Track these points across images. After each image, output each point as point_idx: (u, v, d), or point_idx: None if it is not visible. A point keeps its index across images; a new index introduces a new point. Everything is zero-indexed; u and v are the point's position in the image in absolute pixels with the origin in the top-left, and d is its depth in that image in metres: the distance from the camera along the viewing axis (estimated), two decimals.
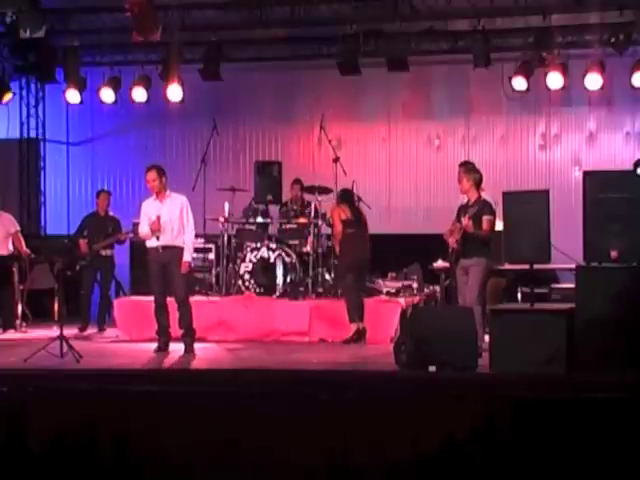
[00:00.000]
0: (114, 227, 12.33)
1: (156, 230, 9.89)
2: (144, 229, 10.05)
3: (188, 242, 10.07)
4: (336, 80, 13.76)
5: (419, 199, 14.58)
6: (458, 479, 6.03)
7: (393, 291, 11.75)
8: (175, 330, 10.14)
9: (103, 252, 12.20)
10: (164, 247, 9.94)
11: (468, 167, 10.19)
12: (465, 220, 9.42)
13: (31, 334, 11.68)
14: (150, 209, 10.02)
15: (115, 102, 14.22)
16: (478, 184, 9.77)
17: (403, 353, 8.61)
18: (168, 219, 9.96)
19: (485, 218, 9.49)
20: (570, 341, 8.27)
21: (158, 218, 9.88)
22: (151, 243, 10.03)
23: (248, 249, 11.82)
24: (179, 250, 9.99)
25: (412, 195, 14.62)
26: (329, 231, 12.06)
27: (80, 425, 6.45)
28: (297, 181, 12.72)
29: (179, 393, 7.06)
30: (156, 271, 9.98)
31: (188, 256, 10.07)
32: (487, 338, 8.91)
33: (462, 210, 9.69)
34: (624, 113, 13.90)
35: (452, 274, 10.25)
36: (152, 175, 9.98)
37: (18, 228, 12.35)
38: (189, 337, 10.04)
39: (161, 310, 10.06)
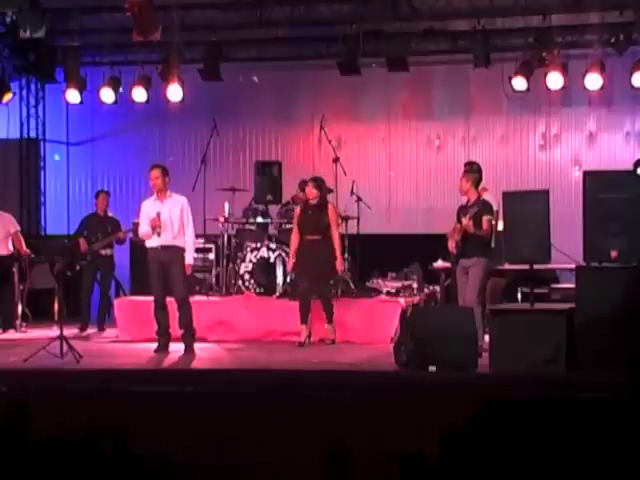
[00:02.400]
0: (113, 227, 12.33)
1: (156, 226, 9.89)
2: (144, 228, 10.06)
3: (189, 244, 10.10)
4: (336, 80, 13.76)
5: (419, 199, 14.58)
6: (458, 479, 6.03)
7: (393, 291, 11.74)
8: (175, 330, 10.14)
9: (103, 252, 12.20)
10: (163, 247, 9.96)
11: (472, 167, 10.21)
12: (465, 220, 9.44)
13: (31, 334, 11.68)
14: (150, 208, 10.04)
15: (115, 102, 14.22)
16: (477, 184, 9.80)
17: (403, 353, 8.62)
18: (168, 219, 9.98)
19: (485, 218, 9.51)
20: (570, 341, 8.28)
21: (158, 215, 9.89)
22: (151, 243, 10.04)
23: (248, 249, 11.82)
24: (179, 250, 10.00)
25: (412, 195, 14.62)
26: None
27: (80, 425, 6.45)
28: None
29: (179, 393, 7.07)
30: (156, 271, 9.99)
31: (190, 258, 10.12)
32: (487, 338, 8.92)
33: (462, 211, 9.70)
34: (624, 113, 13.90)
35: (452, 274, 10.26)
36: (156, 173, 10.01)
37: (18, 228, 12.35)
38: (189, 337, 10.05)
39: (161, 310, 10.07)
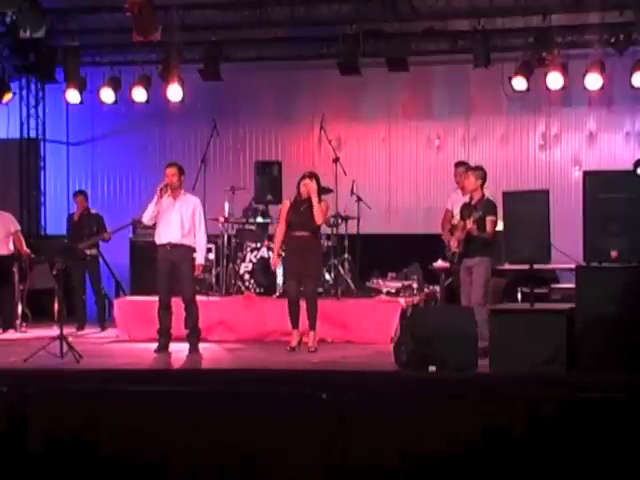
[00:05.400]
0: (98, 226, 12.32)
1: (163, 189, 9.94)
2: (147, 214, 10.10)
3: (201, 244, 10.15)
4: (336, 80, 13.76)
5: (419, 199, 14.57)
6: (458, 478, 6.03)
7: (393, 291, 11.74)
8: (177, 330, 10.16)
9: (88, 252, 12.20)
10: (172, 245, 9.99)
11: (469, 165, 10.22)
12: (469, 224, 9.38)
13: (31, 334, 11.68)
14: (162, 202, 10.05)
15: (115, 102, 14.22)
16: (483, 183, 9.77)
17: (403, 353, 8.62)
18: (179, 217, 10.03)
19: (489, 219, 9.45)
20: (570, 341, 8.28)
21: (166, 185, 9.96)
22: (160, 240, 10.08)
23: (248, 249, 11.83)
24: (189, 249, 10.05)
25: (412, 195, 14.61)
26: (329, 231, 12.07)
27: (80, 425, 6.45)
28: None
29: (179, 393, 7.06)
30: (165, 270, 10.01)
31: (201, 258, 10.16)
32: None
33: (465, 209, 9.65)
34: (624, 113, 13.89)
35: (453, 274, 10.24)
36: (172, 170, 10.08)
37: (18, 228, 12.36)
38: (194, 337, 10.08)
39: (165, 311, 10.07)
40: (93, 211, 12.58)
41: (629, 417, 6.14)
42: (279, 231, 10.30)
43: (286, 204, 10.31)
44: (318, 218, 10.13)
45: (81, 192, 12.84)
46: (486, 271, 9.53)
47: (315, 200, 10.07)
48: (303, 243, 10.10)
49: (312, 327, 10.16)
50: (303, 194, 10.12)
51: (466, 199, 9.87)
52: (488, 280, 9.64)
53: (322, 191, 11.65)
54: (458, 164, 11.15)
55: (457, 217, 9.92)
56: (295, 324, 10.20)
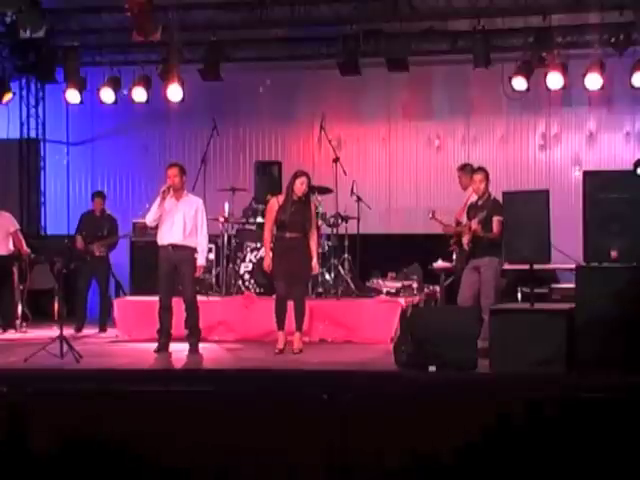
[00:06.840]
0: (110, 228, 12.30)
1: (165, 190, 9.89)
2: (150, 216, 10.06)
3: (203, 246, 10.11)
4: (336, 80, 13.77)
5: (419, 199, 14.57)
6: (457, 478, 6.03)
7: (393, 291, 11.74)
8: (177, 330, 10.15)
9: (97, 252, 12.18)
10: (175, 246, 9.96)
11: (473, 167, 10.22)
12: (474, 225, 9.39)
13: (31, 334, 11.69)
14: (165, 203, 10.02)
15: (115, 102, 14.23)
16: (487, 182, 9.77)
17: (403, 353, 8.62)
18: (182, 218, 9.99)
19: (495, 219, 9.42)
20: (570, 341, 8.27)
21: (168, 187, 9.91)
22: (162, 241, 10.05)
23: (248, 249, 11.83)
24: (190, 251, 10.02)
25: (412, 195, 14.62)
26: (329, 231, 12.07)
27: (80, 425, 6.45)
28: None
29: (179, 393, 7.06)
30: (166, 271, 9.98)
31: (203, 260, 10.11)
32: None
33: (472, 209, 9.65)
34: (624, 113, 13.90)
35: (457, 271, 10.18)
36: (174, 171, 10.02)
37: (17, 227, 12.35)
38: (195, 337, 10.07)
39: (165, 311, 10.05)
40: (108, 213, 12.55)
41: (629, 417, 6.14)
42: (267, 232, 9.99)
43: (274, 204, 9.99)
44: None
45: (97, 194, 12.78)
46: (495, 271, 9.55)
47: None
48: (294, 244, 9.85)
49: (299, 329, 9.96)
50: (298, 193, 9.86)
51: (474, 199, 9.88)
52: (497, 280, 9.65)
53: (319, 190, 11.74)
54: (462, 167, 10.92)
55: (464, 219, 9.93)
56: (281, 325, 9.91)
